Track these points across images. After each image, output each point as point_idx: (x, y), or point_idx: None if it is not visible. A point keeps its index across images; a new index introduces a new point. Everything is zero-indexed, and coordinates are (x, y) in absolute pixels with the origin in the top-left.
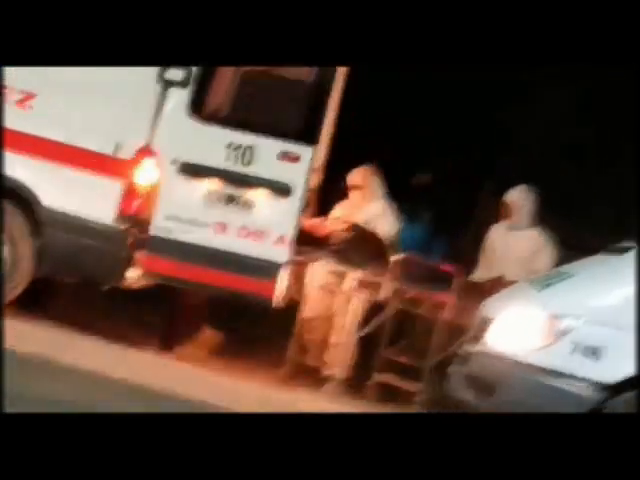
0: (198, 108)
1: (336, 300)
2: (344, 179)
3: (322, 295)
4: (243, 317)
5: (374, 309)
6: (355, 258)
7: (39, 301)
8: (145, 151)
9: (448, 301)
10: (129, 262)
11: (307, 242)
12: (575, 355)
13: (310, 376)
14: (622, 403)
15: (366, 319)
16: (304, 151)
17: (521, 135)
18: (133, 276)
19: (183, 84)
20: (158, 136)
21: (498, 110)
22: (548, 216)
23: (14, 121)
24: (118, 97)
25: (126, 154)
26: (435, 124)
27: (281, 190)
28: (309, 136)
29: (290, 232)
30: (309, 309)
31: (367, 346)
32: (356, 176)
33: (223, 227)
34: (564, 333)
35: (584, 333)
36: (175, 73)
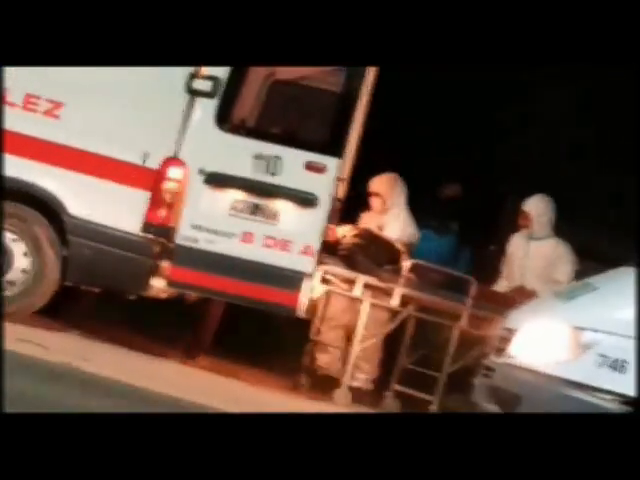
0: (225, 118)
1: (348, 306)
2: (365, 188)
3: (334, 301)
4: (258, 324)
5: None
6: (364, 263)
7: (65, 310)
8: (172, 161)
9: (464, 310)
10: (155, 271)
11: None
12: (600, 368)
13: (326, 384)
14: None
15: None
16: (330, 162)
17: (521, 135)
18: (159, 286)
19: (210, 94)
20: (185, 146)
21: (498, 110)
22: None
23: (42, 130)
24: (146, 107)
25: (153, 164)
26: (435, 124)
27: (307, 200)
28: (335, 147)
29: (316, 242)
30: (322, 315)
31: (386, 356)
32: (376, 184)
33: (249, 237)
34: (589, 346)
35: (609, 346)
36: (203, 83)
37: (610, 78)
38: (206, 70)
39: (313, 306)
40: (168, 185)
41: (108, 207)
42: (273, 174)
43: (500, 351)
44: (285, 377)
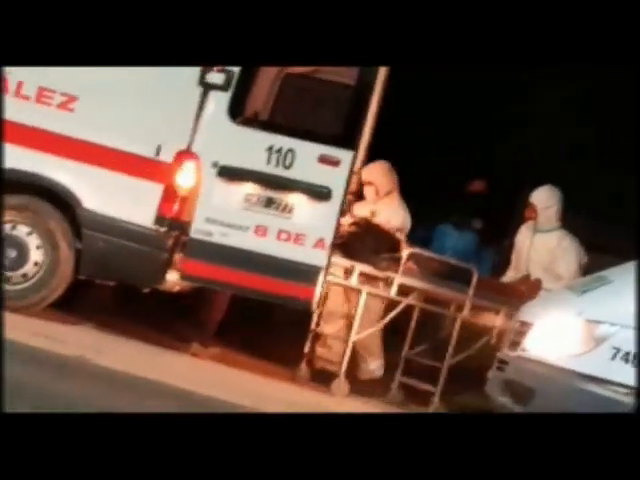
0: (238, 111)
1: (345, 296)
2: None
3: (333, 292)
4: (256, 314)
5: (387, 306)
6: (361, 252)
7: (79, 303)
8: (185, 154)
9: (465, 299)
10: (169, 265)
11: None
12: (614, 361)
13: (326, 374)
14: None
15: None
16: (344, 155)
17: (521, 135)
18: (173, 279)
19: (224, 87)
20: (199, 139)
21: (498, 110)
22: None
23: (55, 123)
24: (159, 100)
25: (167, 157)
26: (435, 124)
27: (321, 194)
28: (349, 140)
29: (330, 236)
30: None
31: (390, 347)
32: (368, 172)
33: (262, 230)
34: (603, 339)
35: (623, 339)
36: (216, 77)
37: (610, 78)
38: None
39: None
40: (181, 178)
41: (122, 200)
42: (287, 167)
43: (514, 344)
44: (284, 367)
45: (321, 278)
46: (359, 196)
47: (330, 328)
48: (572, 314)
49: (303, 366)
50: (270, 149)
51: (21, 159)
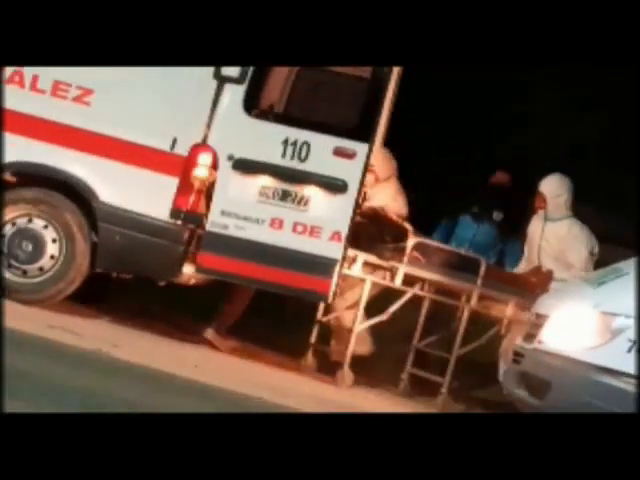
0: (253, 104)
1: (347, 284)
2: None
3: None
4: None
5: (391, 295)
6: (366, 241)
7: (95, 297)
8: (201, 147)
9: (473, 290)
10: (185, 258)
11: None
12: (631, 353)
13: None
14: None
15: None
16: (360, 147)
17: (521, 135)
18: (189, 272)
19: (239, 80)
20: (214, 132)
21: (498, 110)
22: None
23: (71, 117)
24: (174, 93)
25: (182, 150)
26: (435, 124)
27: (337, 186)
28: (365, 132)
29: (345, 228)
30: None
31: (401, 339)
32: None
33: (278, 223)
34: (619, 331)
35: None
36: (231, 70)
37: (610, 78)
38: None
39: None
40: (197, 171)
41: (138, 193)
42: (302, 160)
43: (530, 337)
44: (288, 357)
45: (337, 271)
46: None
47: (349, 317)
48: (588, 306)
49: (309, 356)
50: (285, 142)
51: (36, 152)
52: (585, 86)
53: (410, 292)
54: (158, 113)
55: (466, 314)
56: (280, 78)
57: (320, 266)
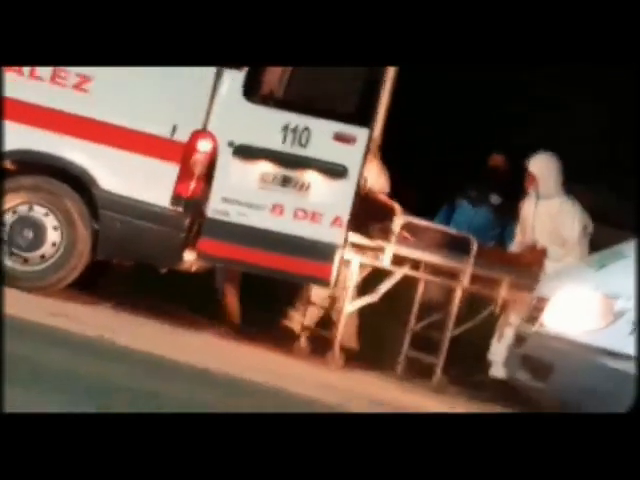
0: (254, 90)
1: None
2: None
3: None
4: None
5: (379, 276)
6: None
7: (96, 283)
8: (201, 134)
9: (465, 269)
10: (186, 245)
11: None
12: (633, 336)
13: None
14: None
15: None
16: (360, 132)
17: (521, 135)
18: (190, 259)
19: (239, 66)
20: (214, 118)
21: (498, 110)
22: None
23: (71, 104)
24: (174, 80)
25: (182, 137)
26: (435, 124)
27: (337, 172)
28: (364, 117)
29: (346, 213)
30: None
31: (397, 320)
32: None
33: (279, 209)
34: (621, 313)
35: None
36: None
37: (611, 78)
38: None
39: None
40: (197, 158)
41: (138, 180)
42: (302, 145)
43: (532, 319)
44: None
45: (338, 256)
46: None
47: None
48: (590, 289)
49: (302, 339)
50: (286, 127)
51: (36, 140)
52: (585, 86)
53: (399, 272)
54: (158, 100)
55: (459, 294)
56: None
57: (321, 251)
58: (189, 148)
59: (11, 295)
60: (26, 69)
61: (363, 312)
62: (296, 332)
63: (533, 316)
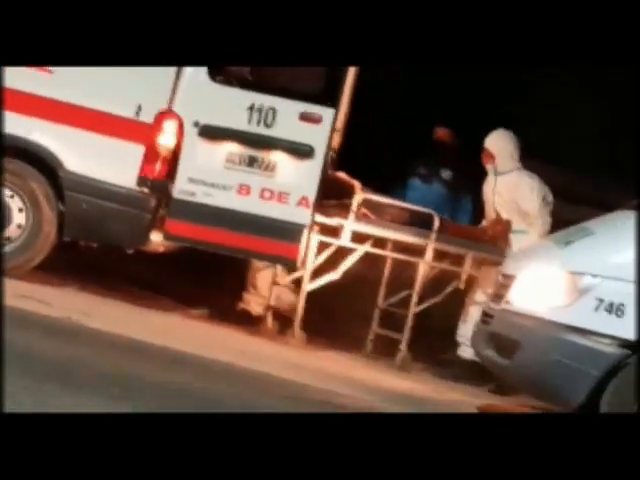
0: (219, 70)
1: None
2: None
3: None
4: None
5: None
6: None
7: (63, 266)
8: (166, 114)
9: (427, 245)
10: (152, 225)
11: None
12: (599, 312)
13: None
14: None
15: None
16: (326, 112)
17: (521, 135)
18: (157, 240)
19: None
20: (179, 99)
21: (498, 110)
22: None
23: (35, 85)
24: None
25: (147, 117)
26: (435, 124)
27: (303, 151)
28: (330, 97)
29: (313, 193)
30: None
31: (364, 298)
32: None
33: (245, 189)
34: (586, 290)
35: (607, 290)
36: None
37: (610, 78)
38: None
39: None
40: (162, 139)
41: (104, 162)
42: (268, 126)
43: (498, 297)
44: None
45: (305, 236)
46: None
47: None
48: (555, 266)
49: (269, 320)
50: (251, 107)
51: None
52: (585, 86)
53: (361, 250)
54: (122, 80)
55: (421, 270)
56: None
57: (288, 232)
58: (154, 129)
59: None
60: None
61: (331, 292)
62: (254, 314)
63: (499, 294)
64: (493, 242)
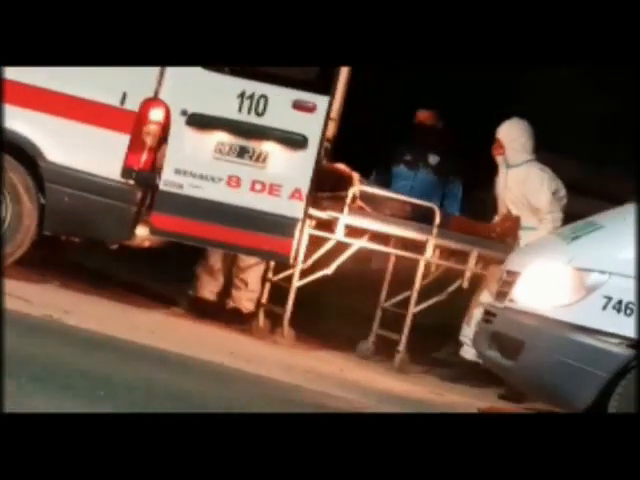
0: None
1: None
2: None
3: None
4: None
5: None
6: None
7: (44, 261)
8: (152, 102)
9: (428, 240)
10: (138, 219)
11: None
12: (607, 310)
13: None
14: None
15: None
16: (320, 100)
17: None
18: (142, 234)
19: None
20: (166, 86)
21: (498, 110)
22: None
23: (15, 73)
24: None
25: (133, 106)
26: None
27: (296, 142)
28: (325, 85)
29: (306, 186)
30: None
31: (360, 295)
32: None
33: (236, 181)
34: (594, 287)
35: (615, 287)
36: None
37: (611, 78)
38: None
39: None
40: (148, 128)
41: (87, 152)
42: (259, 114)
43: (501, 295)
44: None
45: (298, 230)
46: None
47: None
48: (561, 262)
49: (260, 318)
50: (242, 95)
51: None
52: (586, 86)
53: (356, 245)
54: (106, 67)
55: (421, 268)
56: None
57: (280, 226)
58: (140, 117)
59: None
60: None
61: (329, 289)
62: (245, 311)
63: (503, 291)
64: (501, 239)
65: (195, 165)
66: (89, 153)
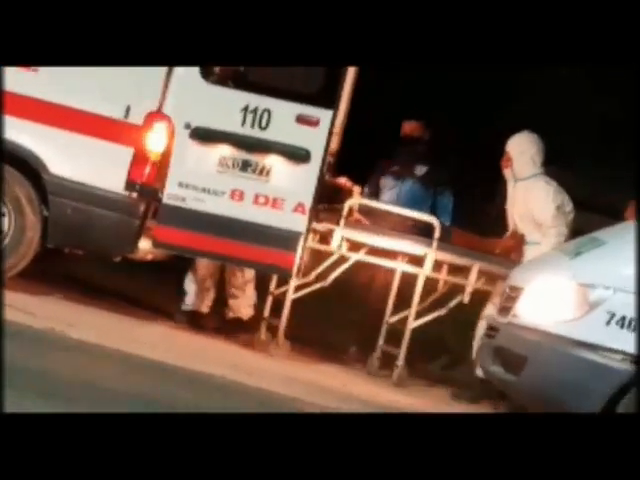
0: (212, 69)
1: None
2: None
3: None
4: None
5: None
6: None
7: (47, 273)
8: (156, 115)
9: (427, 254)
10: (141, 232)
11: None
12: (610, 326)
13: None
14: None
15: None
16: (323, 114)
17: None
18: (145, 247)
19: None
20: (170, 99)
21: (498, 110)
22: None
23: (20, 85)
24: None
25: (136, 119)
26: (435, 124)
27: (299, 155)
28: (328, 99)
29: (309, 199)
30: None
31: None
32: None
33: (239, 195)
34: (597, 303)
35: (619, 303)
36: None
37: (610, 78)
38: None
39: None
40: (152, 141)
41: (90, 165)
42: (263, 128)
43: (504, 310)
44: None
45: (301, 244)
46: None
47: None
48: (565, 278)
49: (263, 331)
50: (245, 109)
51: None
52: (586, 86)
53: (353, 258)
54: (110, 79)
55: (420, 281)
56: None
57: (283, 239)
58: (144, 130)
59: None
60: None
61: (331, 303)
62: (245, 319)
63: (506, 306)
64: (506, 254)
65: (198, 178)
66: (93, 166)
